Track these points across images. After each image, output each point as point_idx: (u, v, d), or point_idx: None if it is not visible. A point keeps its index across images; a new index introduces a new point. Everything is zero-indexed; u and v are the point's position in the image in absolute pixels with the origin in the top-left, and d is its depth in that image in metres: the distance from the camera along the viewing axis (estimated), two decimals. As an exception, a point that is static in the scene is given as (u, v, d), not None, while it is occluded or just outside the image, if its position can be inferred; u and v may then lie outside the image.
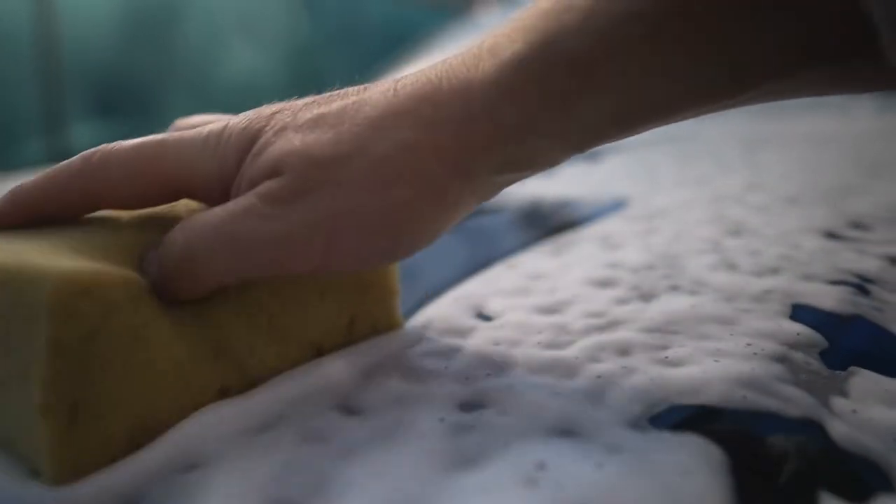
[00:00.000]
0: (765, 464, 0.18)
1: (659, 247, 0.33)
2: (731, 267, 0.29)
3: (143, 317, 0.18)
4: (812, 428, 0.19)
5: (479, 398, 0.20)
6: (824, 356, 0.22)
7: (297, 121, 0.21)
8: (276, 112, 0.22)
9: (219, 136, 0.22)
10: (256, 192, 0.20)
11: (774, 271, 0.28)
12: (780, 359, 0.22)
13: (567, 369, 0.21)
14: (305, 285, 0.23)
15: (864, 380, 0.22)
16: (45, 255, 0.18)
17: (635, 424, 0.18)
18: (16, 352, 0.17)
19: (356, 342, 0.24)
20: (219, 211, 0.20)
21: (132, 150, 0.21)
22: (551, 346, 0.23)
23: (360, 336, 0.24)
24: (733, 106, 0.21)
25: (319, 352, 0.23)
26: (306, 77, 2.55)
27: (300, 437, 0.19)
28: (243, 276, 0.20)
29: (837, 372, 0.22)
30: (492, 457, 0.17)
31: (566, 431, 0.18)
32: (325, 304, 0.23)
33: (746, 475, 0.17)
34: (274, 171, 0.20)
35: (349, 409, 0.20)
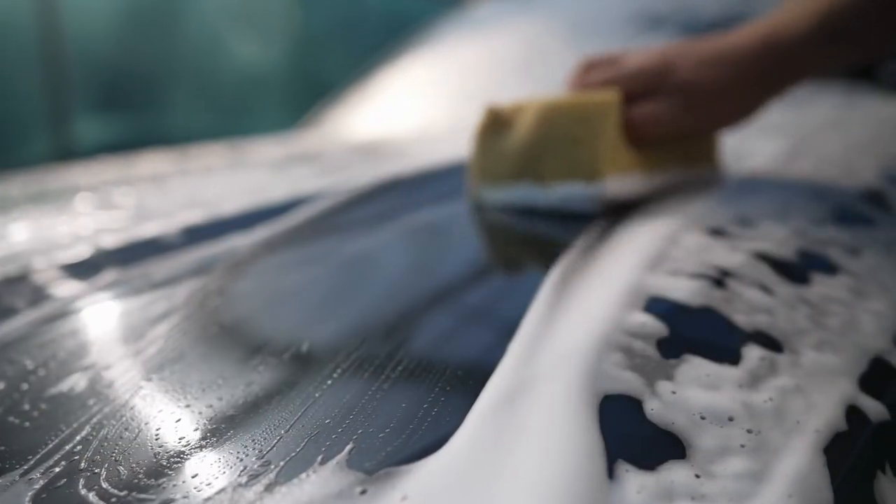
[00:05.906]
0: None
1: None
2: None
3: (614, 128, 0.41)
4: (630, 405, 0.22)
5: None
6: (661, 344, 0.26)
7: (684, 58, 0.43)
8: (675, 50, 0.44)
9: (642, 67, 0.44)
10: (663, 97, 0.42)
11: (651, 267, 0.31)
12: (622, 346, 0.25)
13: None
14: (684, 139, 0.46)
15: (691, 365, 0.25)
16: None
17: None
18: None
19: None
20: (649, 104, 0.42)
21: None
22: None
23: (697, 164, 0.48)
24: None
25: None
26: (307, 68, 2.58)
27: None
28: (659, 133, 0.43)
29: (670, 359, 0.25)
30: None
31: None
32: (688, 145, 0.46)
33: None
34: (670, 88, 0.42)
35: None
